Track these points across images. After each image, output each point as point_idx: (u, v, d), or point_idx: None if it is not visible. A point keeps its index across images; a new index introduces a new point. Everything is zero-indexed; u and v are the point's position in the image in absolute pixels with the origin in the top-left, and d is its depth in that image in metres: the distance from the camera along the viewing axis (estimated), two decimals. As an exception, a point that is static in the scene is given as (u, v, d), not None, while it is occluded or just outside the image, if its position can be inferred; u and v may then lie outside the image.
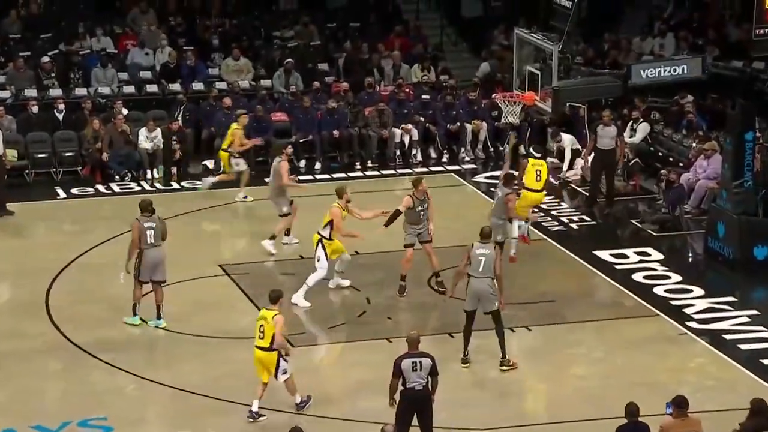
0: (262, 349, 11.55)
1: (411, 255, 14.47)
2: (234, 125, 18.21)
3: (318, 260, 14.27)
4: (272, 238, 15.82)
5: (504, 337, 12.70)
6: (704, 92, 20.09)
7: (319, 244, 14.27)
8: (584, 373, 12.94)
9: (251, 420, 11.59)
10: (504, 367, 12.69)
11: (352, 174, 19.86)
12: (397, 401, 10.63)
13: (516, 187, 15.18)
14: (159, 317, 13.63)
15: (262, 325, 11.53)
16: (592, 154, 18.17)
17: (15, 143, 19.34)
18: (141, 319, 13.64)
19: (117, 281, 15.18)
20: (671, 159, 19.12)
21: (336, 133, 20.09)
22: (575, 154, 19.80)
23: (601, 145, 17.81)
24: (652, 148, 19.59)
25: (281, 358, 11.55)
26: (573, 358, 13.24)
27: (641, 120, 19.70)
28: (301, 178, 19.65)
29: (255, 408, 11.62)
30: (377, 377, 11.81)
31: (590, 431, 11.57)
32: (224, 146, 18.13)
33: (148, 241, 13.37)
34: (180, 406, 12.12)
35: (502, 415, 11.94)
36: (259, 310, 14.07)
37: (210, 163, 19.95)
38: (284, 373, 11.59)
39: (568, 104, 18.89)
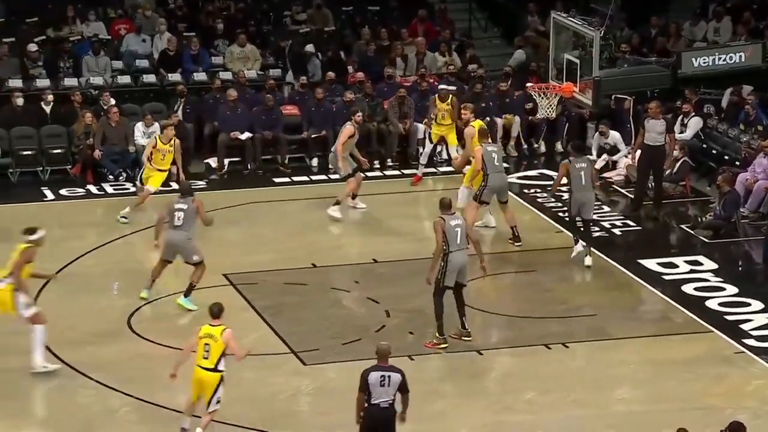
0: (205, 369, 11.51)
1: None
2: None
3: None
4: (337, 203, 17.20)
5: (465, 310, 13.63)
6: (765, 83, 19.98)
7: None
8: (629, 397, 12.88)
9: None
10: (467, 339, 13.66)
11: (370, 174, 19.84)
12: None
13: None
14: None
15: (207, 344, 11.48)
16: (639, 152, 18.10)
17: (-2, 139, 19.48)
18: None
19: (109, 293, 15.25)
20: (726, 157, 19.04)
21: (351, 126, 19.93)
22: (615, 152, 19.76)
23: (648, 141, 17.74)
24: (704, 145, 19.52)
25: (220, 386, 11.56)
26: (616, 380, 13.18)
27: (692, 114, 19.63)
28: (314, 178, 19.72)
29: (186, 425, 11.65)
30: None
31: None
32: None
33: (174, 223, 14.41)
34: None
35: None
36: (267, 323, 14.19)
37: (213, 161, 20.02)
38: (218, 402, 11.62)
39: (613, 96, 18.83)
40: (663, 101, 18.64)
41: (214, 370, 11.49)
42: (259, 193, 18.90)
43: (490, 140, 16.62)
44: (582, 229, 16.04)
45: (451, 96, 18.93)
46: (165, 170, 17.40)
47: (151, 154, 17.34)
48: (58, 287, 15.34)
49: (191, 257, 14.51)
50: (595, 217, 16.62)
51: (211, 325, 11.60)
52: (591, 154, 19.95)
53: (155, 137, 17.51)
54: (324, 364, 13.38)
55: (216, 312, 11.67)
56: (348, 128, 17.48)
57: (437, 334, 13.56)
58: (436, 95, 19.06)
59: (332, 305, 14.89)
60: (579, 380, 13.11)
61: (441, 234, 13.33)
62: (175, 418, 12.17)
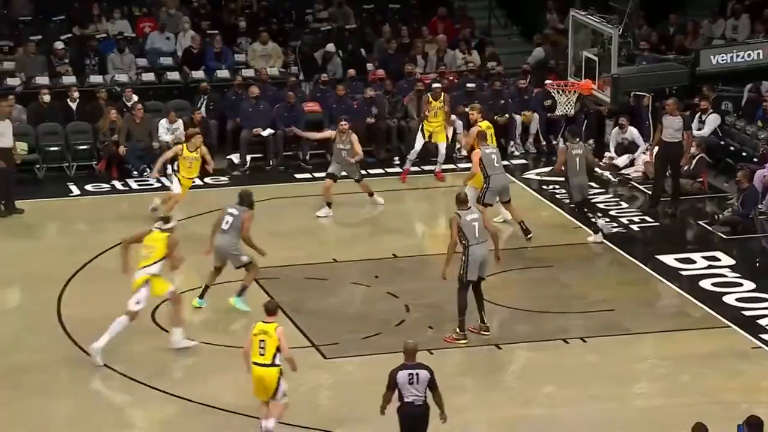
0: (263, 365, 11.52)
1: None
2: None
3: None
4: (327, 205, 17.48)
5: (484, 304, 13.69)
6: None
7: None
8: (646, 391, 12.88)
9: None
10: (486, 333, 13.68)
11: (389, 170, 19.90)
12: (398, 417, 10.62)
13: None
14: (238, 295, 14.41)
15: (262, 340, 11.49)
16: (656, 148, 18.07)
17: (25, 135, 19.54)
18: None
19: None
20: (744, 154, 18.99)
21: (370, 120, 20.00)
22: (633, 148, 19.71)
23: (665, 137, 17.71)
24: (722, 142, 19.47)
25: (281, 379, 11.56)
26: (634, 374, 13.18)
27: (710, 111, 19.58)
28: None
29: (272, 426, 11.67)
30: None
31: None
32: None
33: (222, 227, 14.36)
34: (209, 425, 12.14)
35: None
36: (288, 317, 14.24)
37: (235, 158, 20.10)
38: (284, 395, 11.62)
39: (632, 93, 18.81)
40: (681, 98, 18.60)
41: (272, 365, 11.50)
42: (281, 189, 18.96)
43: (488, 143, 16.55)
44: (586, 210, 16.34)
45: (443, 94, 19.05)
46: (192, 178, 17.29)
47: (178, 162, 17.25)
48: (83, 281, 15.45)
49: (239, 261, 14.39)
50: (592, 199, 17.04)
51: (264, 322, 11.62)
52: (609, 150, 19.96)
53: (182, 146, 17.24)
54: (344, 358, 13.43)
55: (271, 309, 11.68)
56: (327, 131, 18.28)
57: (458, 330, 13.58)
58: (429, 93, 19.15)
59: (352, 300, 14.92)
60: (597, 375, 13.11)
61: (456, 229, 13.36)
62: (200, 410, 12.25)
